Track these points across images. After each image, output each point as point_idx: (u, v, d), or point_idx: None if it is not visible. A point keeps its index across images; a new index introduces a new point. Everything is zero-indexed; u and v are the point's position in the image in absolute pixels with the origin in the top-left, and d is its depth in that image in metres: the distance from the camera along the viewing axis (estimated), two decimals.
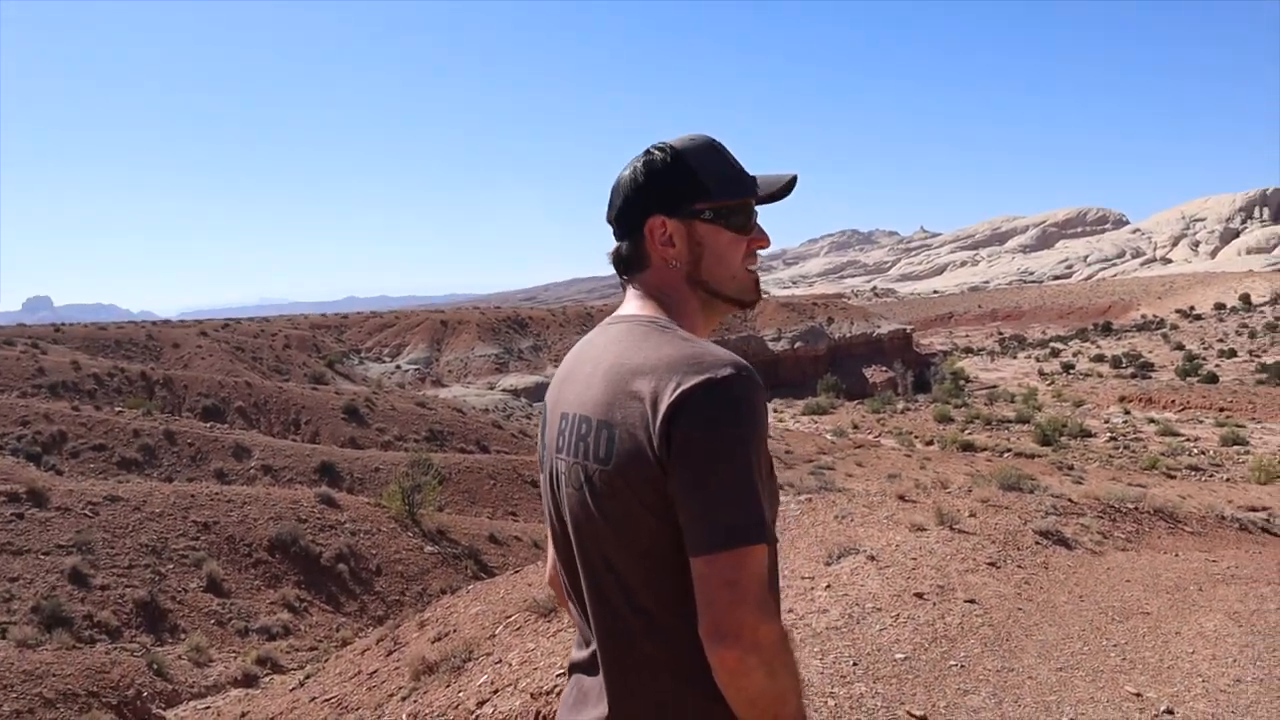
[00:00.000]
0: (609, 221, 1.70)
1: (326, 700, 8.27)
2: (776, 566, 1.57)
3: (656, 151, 1.64)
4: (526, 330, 78.97)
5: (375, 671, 8.33)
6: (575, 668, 1.65)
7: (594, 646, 1.57)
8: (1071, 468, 31.56)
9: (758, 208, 1.70)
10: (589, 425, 1.51)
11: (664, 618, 1.46)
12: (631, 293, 1.67)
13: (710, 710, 1.44)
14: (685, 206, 1.62)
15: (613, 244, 1.71)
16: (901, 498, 9.71)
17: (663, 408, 1.40)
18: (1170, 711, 4.56)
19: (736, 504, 1.37)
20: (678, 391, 1.40)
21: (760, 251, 1.71)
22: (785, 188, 1.69)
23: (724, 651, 1.35)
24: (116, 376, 33.00)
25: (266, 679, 11.78)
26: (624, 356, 1.52)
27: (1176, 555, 8.64)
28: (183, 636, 12.89)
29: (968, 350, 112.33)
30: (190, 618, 13.46)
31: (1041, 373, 77.42)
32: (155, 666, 11.26)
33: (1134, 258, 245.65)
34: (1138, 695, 4.78)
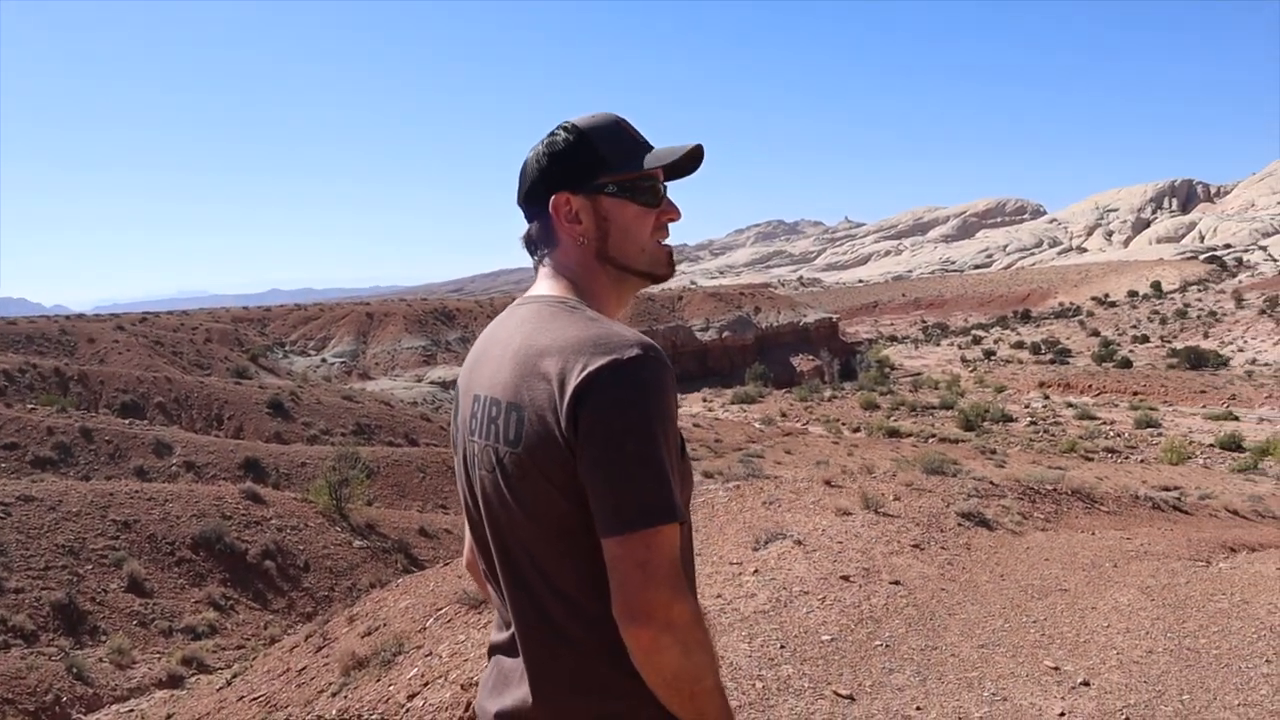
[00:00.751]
0: (519, 203, 1.69)
1: (254, 699, 8.13)
2: (690, 545, 1.59)
3: (560, 130, 1.64)
4: (454, 322, 78.18)
5: (304, 668, 8.21)
6: (495, 649, 1.64)
7: (513, 629, 1.57)
8: (994, 452, 32.31)
9: (667, 182, 1.69)
10: (499, 407, 1.51)
11: (580, 598, 1.47)
12: (542, 273, 1.67)
13: (631, 687, 1.44)
14: (589, 182, 1.61)
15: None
16: (828, 483, 9.85)
17: (570, 389, 1.40)
18: (1086, 683, 4.71)
19: (645, 484, 1.37)
20: (584, 373, 1.40)
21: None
22: (688, 157, 1.67)
23: (638, 630, 1.36)
24: (28, 373, 31.87)
25: (192, 679, 11.52)
26: (531, 337, 1.51)
27: (1093, 534, 8.91)
28: (103, 638, 12.54)
29: (892, 338, 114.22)
30: (111, 619, 13.10)
31: (964, 360, 79.10)
32: (75, 670, 10.95)
33: (1051, 247, 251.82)
34: (1056, 669, 4.92)
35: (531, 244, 1.69)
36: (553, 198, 1.62)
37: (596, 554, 1.42)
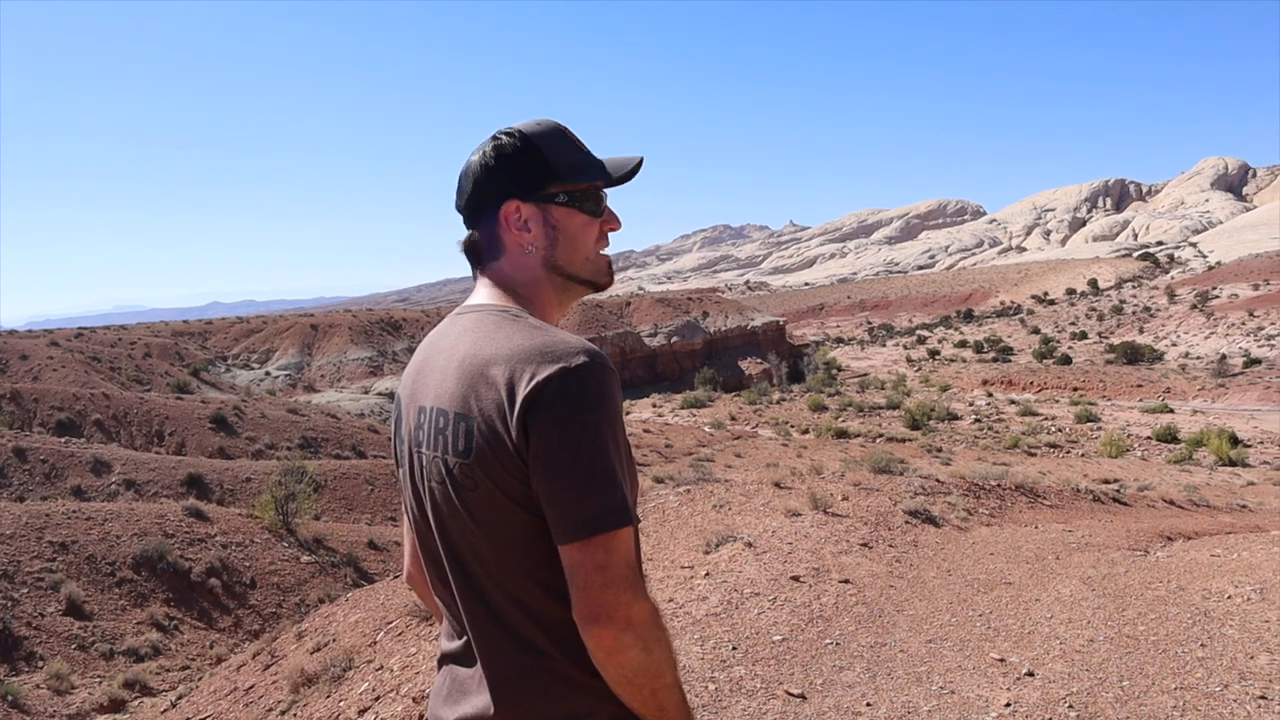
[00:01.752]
0: (458, 209, 1.68)
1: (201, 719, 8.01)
2: (639, 546, 1.61)
3: (505, 136, 1.64)
4: (400, 332, 77.42)
5: (252, 687, 8.10)
6: (446, 658, 1.64)
7: (466, 638, 1.58)
8: (940, 450, 32.77)
9: (606, 191, 1.71)
10: (446, 418, 1.51)
11: (536, 604, 1.48)
12: (483, 281, 1.66)
13: (592, 686, 1.47)
14: (539, 190, 1.62)
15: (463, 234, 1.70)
16: (777, 485, 9.93)
17: (519, 398, 1.41)
18: (1031, 674, 4.80)
19: (599, 490, 1.39)
20: (533, 382, 1.41)
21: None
22: (633, 171, 1.70)
23: (599, 631, 1.38)
24: None
25: (135, 703, 11.27)
26: (477, 347, 1.52)
27: (1036, 527, 9.08)
28: (40, 664, 12.21)
29: (839, 340, 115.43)
30: (49, 643, 12.76)
31: (909, 360, 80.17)
32: (10, 698, 10.66)
33: (991, 247, 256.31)
34: (1001, 661, 5.01)
35: (474, 251, 1.67)
36: (504, 205, 1.62)
37: (550, 560, 1.44)
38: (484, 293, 1.64)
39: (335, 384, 66.34)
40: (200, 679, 10.22)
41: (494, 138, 1.65)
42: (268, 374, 67.96)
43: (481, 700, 1.53)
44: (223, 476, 22.33)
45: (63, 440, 24.61)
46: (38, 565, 14.08)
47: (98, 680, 12.07)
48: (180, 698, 9.53)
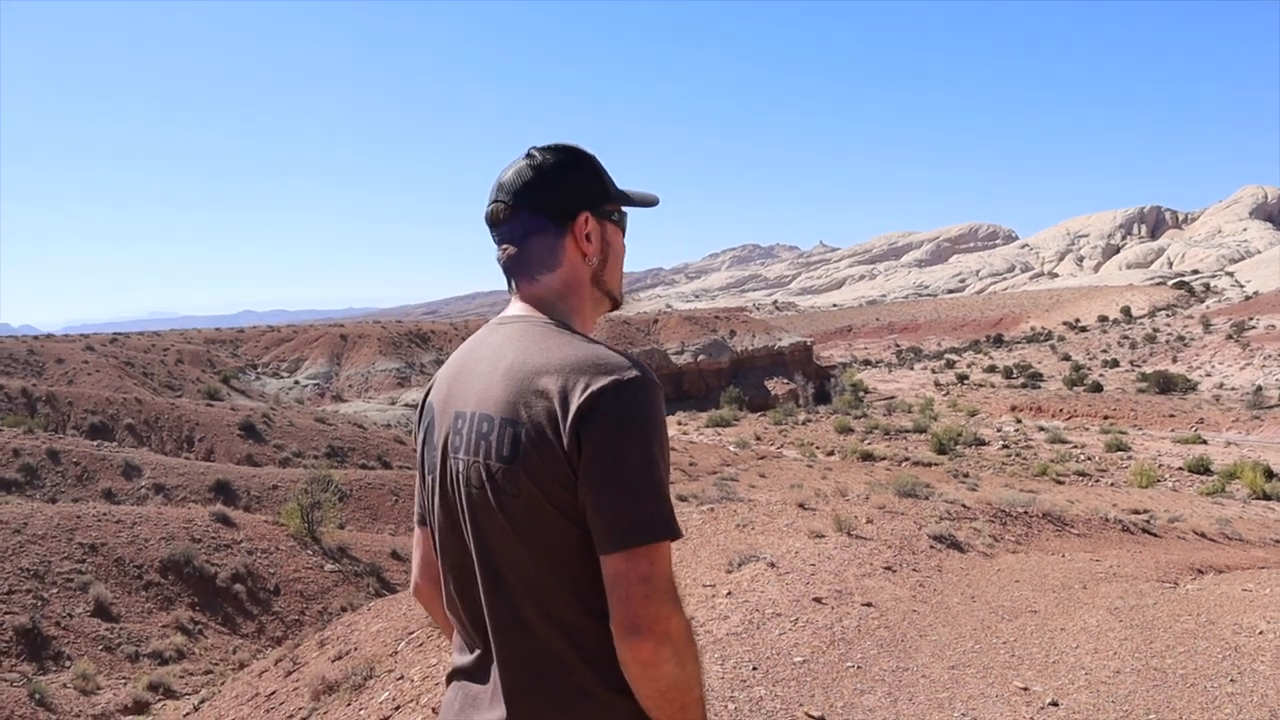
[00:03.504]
0: (500, 219, 1.67)
1: None
2: None
3: (561, 151, 1.66)
4: (428, 344, 77.82)
5: (274, 693, 8.13)
6: (458, 673, 1.64)
7: (479, 652, 1.58)
8: (966, 475, 32.47)
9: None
10: (491, 423, 1.51)
11: (569, 614, 1.49)
12: (524, 293, 1.67)
13: (615, 703, 1.47)
14: (601, 205, 1.67)
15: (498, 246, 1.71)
16: (801, 506, 9.88)
17: (573, 407, 1.43)
18: (1055, 704, 4.74)
19: (647, 501, 1.41)
20: (587, 392, 1.43)
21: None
22: (652, 202, 1.76)
23: (638, 644, 1.39)
24: None
25: (159, 705, 11.35)
26: (525, 355, 1.53)
27: (1063, 556, 8.98)
28: (68, 664, 12.33)
29: (866, 362, 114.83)
30: (76, 644, 12.89)
31: (937, 383, 79.55)
32: (37, 696, 10.77)
33: (1023, 272, 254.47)
34: (1025, 689, 4.95)
35: (522, 260, 1.67)
36: (578, 216, 1.64)
37: (588, 571, 1.45)
38: (526, 303, 1.66)
39: (363, 394, 66.75)
40: (223, 684, 10.27)
41: (554, 150, 1.66)
42: (297, 383, 68.49)
43: (496, 713, 1.53)
44: (250, 483, 22.50)
45: (95, 443, 24.90)
46: (68, 566, 14.23)
47: (123, 681, 12.17)
48: (203, 701, 9.58)
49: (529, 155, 1.66)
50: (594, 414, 1.42)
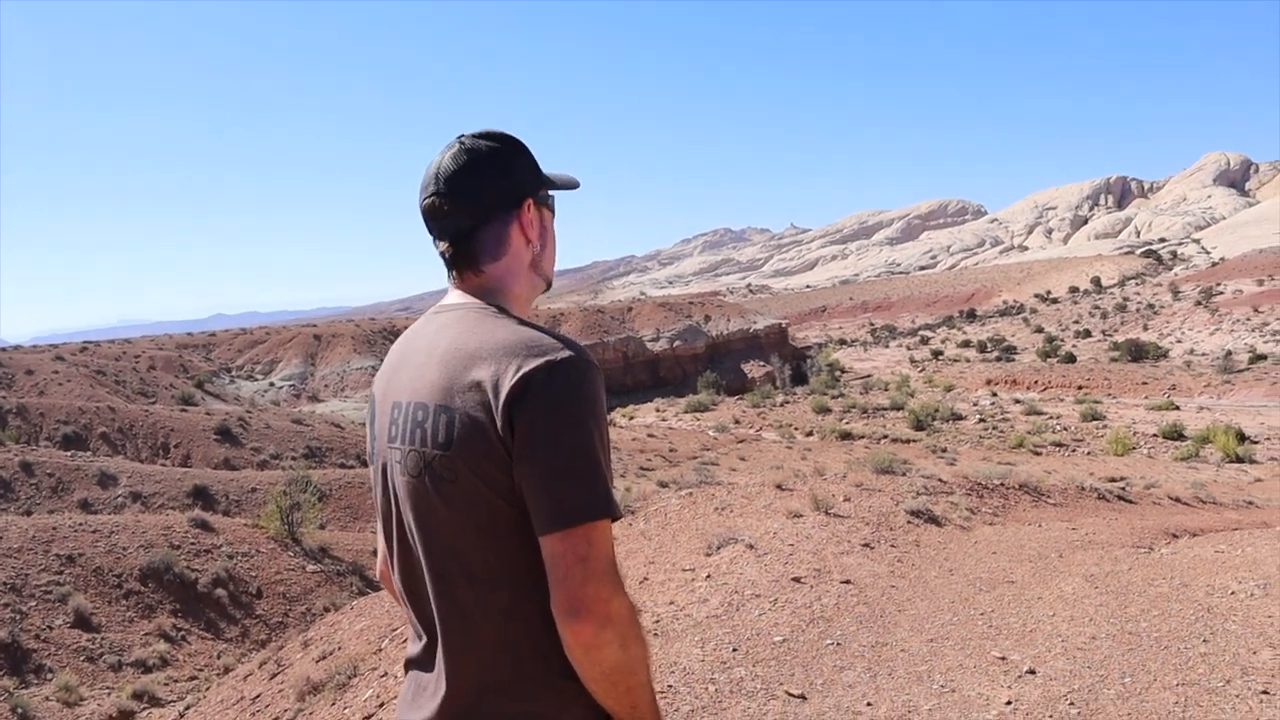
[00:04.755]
0: (439, 211, 1.62)
1: None
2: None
3: (496, 139, 1.64)
4: (394, 342, 77.51)
5: (259, 696, 8.10)
6: (411, 664, 1.64)
7: (425, 640, 1.58)
8: (945, 450, 32.72)
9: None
10: (425, 411, 1.51)
11: (511, 598, 1.48)
12: (463, 282, 1.65)
13: (562, 687, 1.46)
14: (539, 191, 1.66)
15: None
16: (779, 487, 9.91)
17: (504, 390, 1.42)
18: (1033, 671, 4.79)
19: (583, 480, 1.40)
20: (519, 374, 1.42)
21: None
22: (573, 185, 1.76)
23: (579, 626, 1.38)
24: None
25: (144, 714, 11.28)
26: (459, 341, 1.52)
27: (1040, 526, 9.07)
28: (49, 676, 12.24)
29: (842, 342, 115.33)
30: (57, 656, 12.79)
31: (913, 360, 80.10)
32: (20, 710, 10.68)
33: (993, 246, 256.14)
34: (1003, 659, 5.01)
35: (467, 251, 1.63)
36: (523, 204, 1.63)
37: (529, 552, 1.44)
38: (464, 291, 1.64)
39: (339, 393, 66.44)
40: (208, 689, 10.22)
41: (487, 137, 1.63)
42: (272, 385, 68.08)
43: (437, 700, 1.53)
44: (228, 487, 22.36)
45: (69, 454, 24.66)
46: (45, 578, 14.11)
47: (106, 691, 12.09)
48: (188, 708, 9.54)
49: (460, 143, 1.62)
50: (526, 395, 1.41)
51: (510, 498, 1.44)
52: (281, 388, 67.62)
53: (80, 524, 16.04)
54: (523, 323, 1.54)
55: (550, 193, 1.70)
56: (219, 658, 13.64)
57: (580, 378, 1.44)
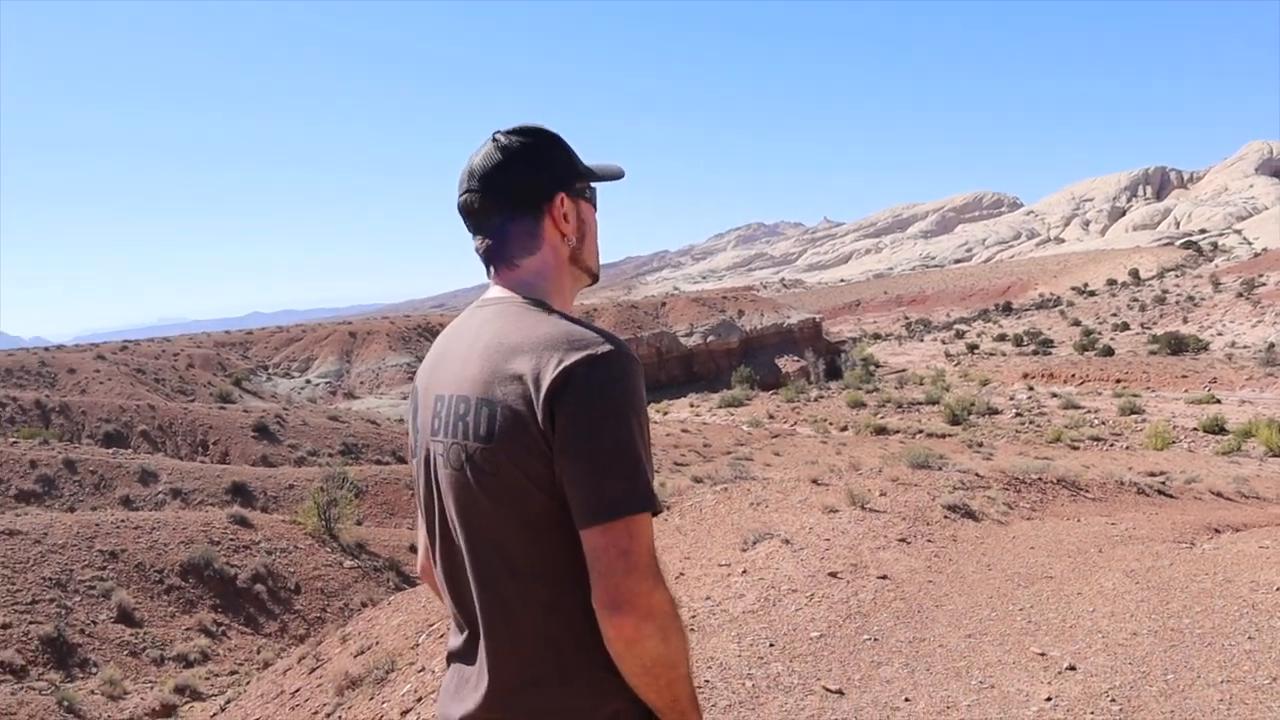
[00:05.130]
0: (474, 208, 1.65)
1: None
2: None
3: (529, 134, 1.65)
4: (437, 337, 77.91)
5: (298, 690, 8.18)
6: (453, 656, 1.66)
7: (468, 633, 1.60)
8: (981, 445, 32.42)
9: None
10: (467, 404, 1.52)
11: (552, 591, 1.49)
12: (502, 277, 1.67)
13: (602, 680, 1.47)
14: (573, 184, 1.66)
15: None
16: (814, 481, 9.88)
17: (545, 384, 1.43)
18: (1073, 668, 4.75)
19: (624, 474, 1.40)
20: (560, 368, 1.43)
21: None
22: (617, 175, 1.75)
23: (620, 620, 1.39)
24: (9, 406, 31.65)
25: (186, 707, 11.46)
26: (500, 335, 1.53)
27: (1078, 521, 8.96)
28: (94, 670, 12.44)
29: (876, 336, 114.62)
30: (101, 650, 13.00)
31: (948, 354, 79.38)
32: (66, 703, 10.87)
33: (1029, 239, 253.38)
34: (1042, 655, 4.96)
35: (501, 246, 1.66)
36: (554, 198, 1.64)
37: (570, 546, 1.45)
38: (505, 285, 1.66)
39: (375, 390, 66.94)
40: (248, 683, 10.35)
41: (519, 132, 1.65)
42: (308, 382, 68.72)
43: (480, 693, 1.54)
44: (266, 484, 22.62)
45: (110, 451, 25.06)
46: (89, 574, 14.35)
47: (149, 685, 12.28)
48: (229, 702, 9.66)
49: (494, 140, 1.64)
50: (567, 389, 1.41)
51: (551, 491, 1.45)
52: (318, 385, 68.24)
53: (122, 520, 16.30)
54: (564, 317, 1.54)
55: (590, 185, 1.70)
56: (258, 652, 13.82)
57: (621, 372, 1.44)
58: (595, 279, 1.76)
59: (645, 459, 1.44)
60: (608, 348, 1.45)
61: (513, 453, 1.46)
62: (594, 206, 1.72)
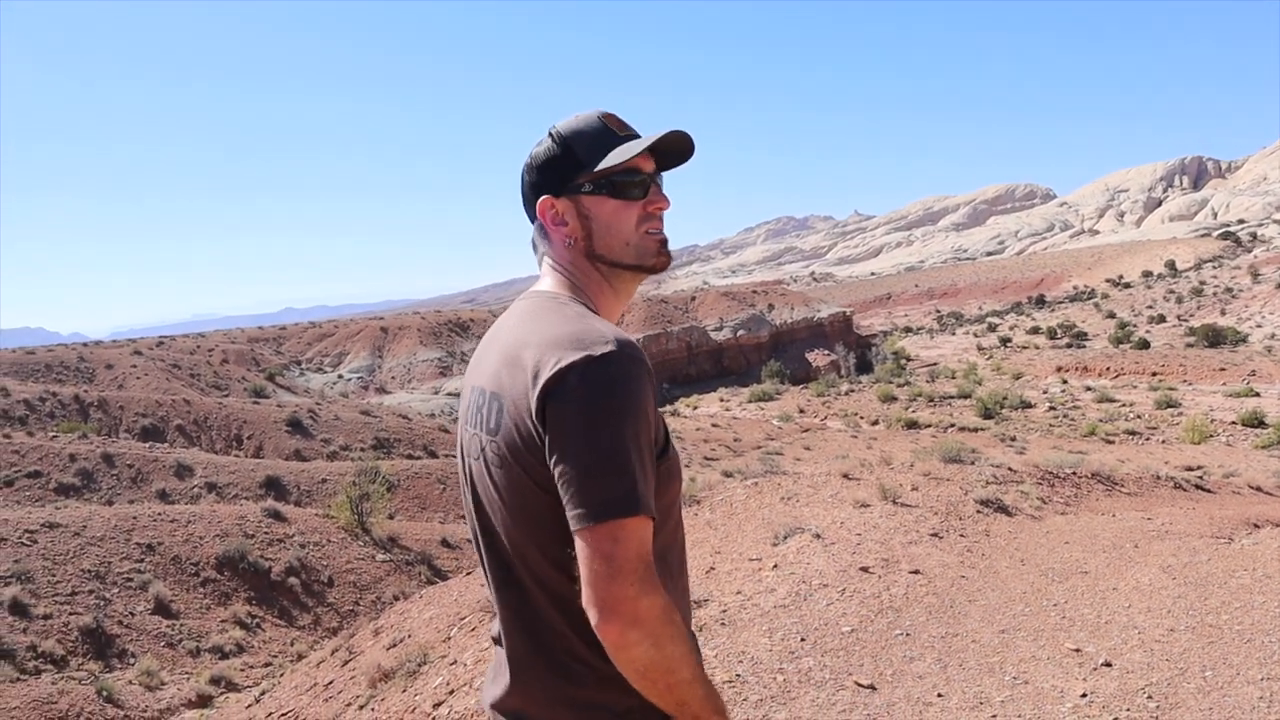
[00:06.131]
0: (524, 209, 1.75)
1: (283, 715, 8.19)
2: (678, 541, 1.62)
3: (545, 137, 1.69)
4: (468, 333, 78.36)
5: (331, 682, 8.26)
6: (495, 640, 1.68)
7: (497, 619, 1.62)
8: (1014, 439, 32.17)
9: (663, 171, 1.72)
10: (484, 397, 1.56)
11: (558, 584, 1.50)
12: (543, 270, 1.71)
13: (612, 674, 1.46)
14: (568, 183, 1.65)
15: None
16: (846, 476, 9.84)
17: (540, 382, 1.43)
18: (1109, 664, 4.70)
19: (609, 477, 1.38)
20: (557, 366, 1.43)
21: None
22: (665, 144, 1.68)
23: (605, 625, 1.37)
24: (49, 401, 32.14)
25: (221, 698, 11.60)
26: (518, 330, 1.56)
27: (1114, 516, 8.87)
28: (132, 661, 12.64)
29: (907, 329, 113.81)
30: (139, 641, 13.20)
31: (980, 348, 78.73)
32: (105, 693, 11.04)
33: (1063, 230, 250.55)
34: (1077, 651, 4.91)
35: (534, 246, 1.74)
36: (541, 202, 1.67)
37: (569, 541, 1.45)
38: (542, 281, 1.70)
39: (406, 385, 67.38)
40: (282, 675, 10.46)
41: (554, 132, 1.68)
42: (340, 377, 69.27)
43: (504, 680, 1.57)
44: (299, 478, 22.84)
45: (147, 445, 25.40)
46: (127, 566, 14.56)
47: (185, 676, 12.45)
48: (264, 693, 9.77)
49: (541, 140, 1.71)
50: (560, 388, 1.41)
51: (549, 485, 1.45)
52: (350, 380, 68.78)
53: (159, 514, 16.52)
54: (579, 314, 1.54)
55: (594, 179, 1.65)
56: (292, 645, 13.97)
57: (619, 373, 1.43)
58: (642, 269, 1.70)
59: (639, 462, 1.41)
60: (608, 348, 1.44)
61: (514, 447, 1.48)
62: (614, 197, 1.65)
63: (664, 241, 1.71)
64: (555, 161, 1.65)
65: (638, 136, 1.69)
